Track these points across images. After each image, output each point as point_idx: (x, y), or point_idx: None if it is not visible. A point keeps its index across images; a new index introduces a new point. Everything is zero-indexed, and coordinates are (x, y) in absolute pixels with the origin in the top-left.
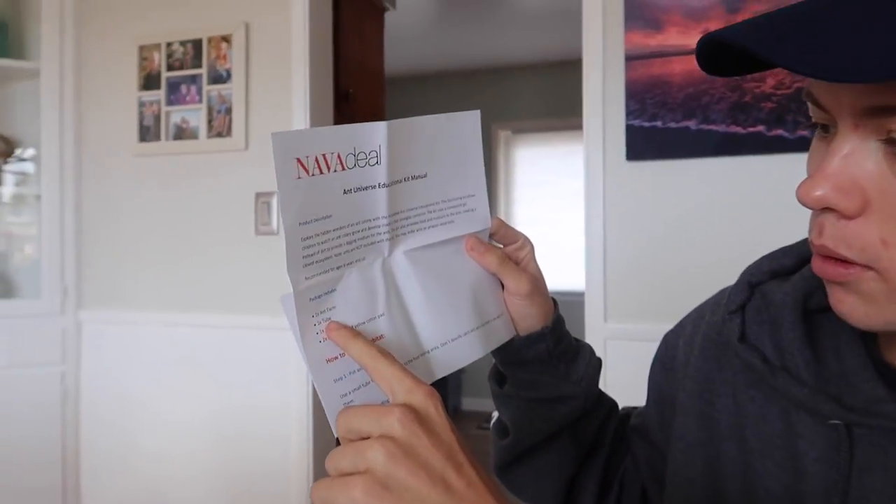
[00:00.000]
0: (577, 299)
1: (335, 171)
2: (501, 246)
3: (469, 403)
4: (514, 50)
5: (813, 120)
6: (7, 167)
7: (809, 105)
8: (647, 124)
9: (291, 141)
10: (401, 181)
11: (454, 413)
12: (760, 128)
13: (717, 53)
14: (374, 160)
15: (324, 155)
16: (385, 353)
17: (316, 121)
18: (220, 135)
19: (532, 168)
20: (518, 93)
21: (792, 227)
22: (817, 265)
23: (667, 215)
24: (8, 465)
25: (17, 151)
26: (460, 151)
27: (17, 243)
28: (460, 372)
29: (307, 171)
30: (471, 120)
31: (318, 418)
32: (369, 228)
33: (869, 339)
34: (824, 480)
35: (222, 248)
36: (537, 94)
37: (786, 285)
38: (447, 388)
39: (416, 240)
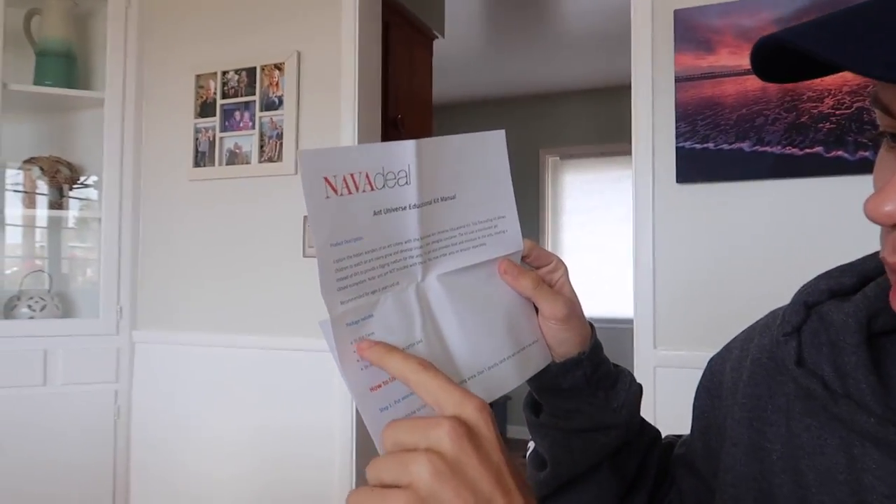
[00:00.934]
0: (627, 326)
1: (364, 191)
2: (535, 268)
3: (514, 432)
4: (562, 76)
5: (880, 129)
6: (72, 193)
7: (877, 113)
8: (698, 146)
9: (319, 159)
10: (431, 202)
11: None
12: (818, 149)
13: (775, 57)
14: (404, 180)
15: (352, 174)
16: (427, 365)
17: None
18: (270, 160)
19: (580, 194)
20: (566, 118)
21: (852, 251)
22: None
23: (718, 239)
24: (60, 480)
25: (82, 178)
26: (488, 171)
27: (79, 266)
28: (506, 399)
29: (335, 191)
30: (496, 139)
31: (361, 441)
32: (402, 252)
33: None
34: None
35: (271, 269)
36: (585, 120)
37: (847, 306)
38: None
39: (448, 263)
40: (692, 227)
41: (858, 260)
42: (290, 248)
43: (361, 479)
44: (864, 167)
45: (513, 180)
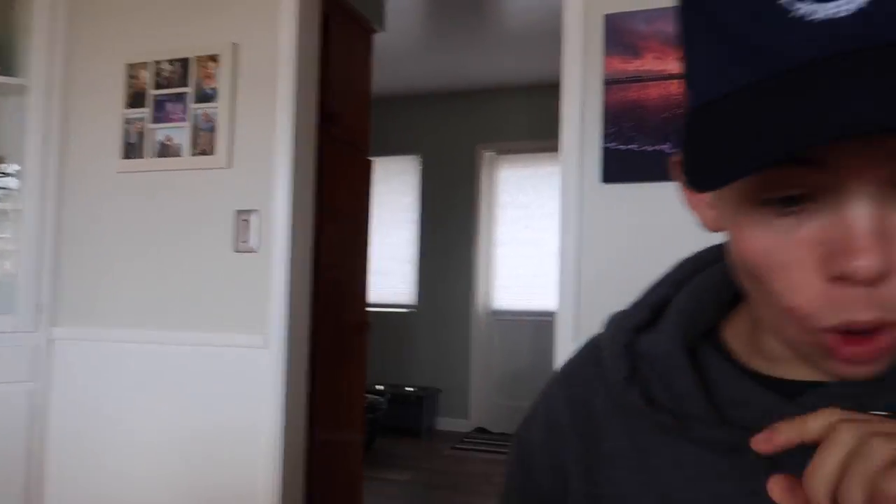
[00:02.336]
0: (551, 320)
1: None
2: None
3: (443, 423)
4: (501, 72)
5: (789, 192)
6: None
7: (788, 171)
8: (622, 147)
9: None
10: None
11: (428, 432)
12: None
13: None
14: None
15: None
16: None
17: (299, 140)
18: (203, 153)
19: (516, 189)
20: (503, 114)
21: None
22: (854, 353)
23: (641, 237)
24: None
25: (1, 166)
26: None
27: None
28: (437, 392)
29: None
30: None
31: (288, 439)
32: None
33: (735, 362)
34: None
35: (201, 264)
36: (522, 116)
37: (660, 335)
38: (423, 407)
39: None
40: (616, 225)
41: (643, 295)
42: (221, 242)
43: (287, 477)
44: None
45: (447, 175)
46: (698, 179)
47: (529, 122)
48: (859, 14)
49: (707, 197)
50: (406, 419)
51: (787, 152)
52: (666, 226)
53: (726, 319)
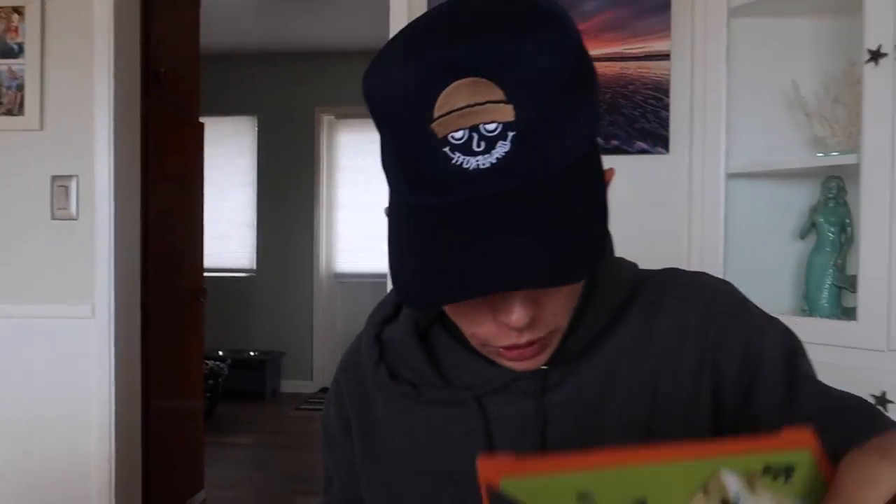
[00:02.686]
0: None
1: None
2: None
3: (287, 386)
4: (337, 34)
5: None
6: None
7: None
8: None
9: None
10: None
11: (273, 395)
12: None
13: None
14: None
15: None
16: None
17: (121, 101)
18: (10, 113)
19: (355, 153)
20: (342, 78)
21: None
22: (519, 356)
23: None
24: None
25: None
26: None
27: None
28: (280, 355)
29: None
30: None
31: (120, 411)
32: None
33: (458, 338)
34: (482, 438)
35: (14, 234)
36: (361, 80)
37: (398, 325)
38: (266, 370)
39: None
40: None
41: (387, 295)
42: (37, 210)
43: (121, 442)
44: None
45: (286, 137)
46: (404, 298)
47: None
48: (498, 166)
49: None
50: (249, 383)
51: (449, 300)
52: None
53: None
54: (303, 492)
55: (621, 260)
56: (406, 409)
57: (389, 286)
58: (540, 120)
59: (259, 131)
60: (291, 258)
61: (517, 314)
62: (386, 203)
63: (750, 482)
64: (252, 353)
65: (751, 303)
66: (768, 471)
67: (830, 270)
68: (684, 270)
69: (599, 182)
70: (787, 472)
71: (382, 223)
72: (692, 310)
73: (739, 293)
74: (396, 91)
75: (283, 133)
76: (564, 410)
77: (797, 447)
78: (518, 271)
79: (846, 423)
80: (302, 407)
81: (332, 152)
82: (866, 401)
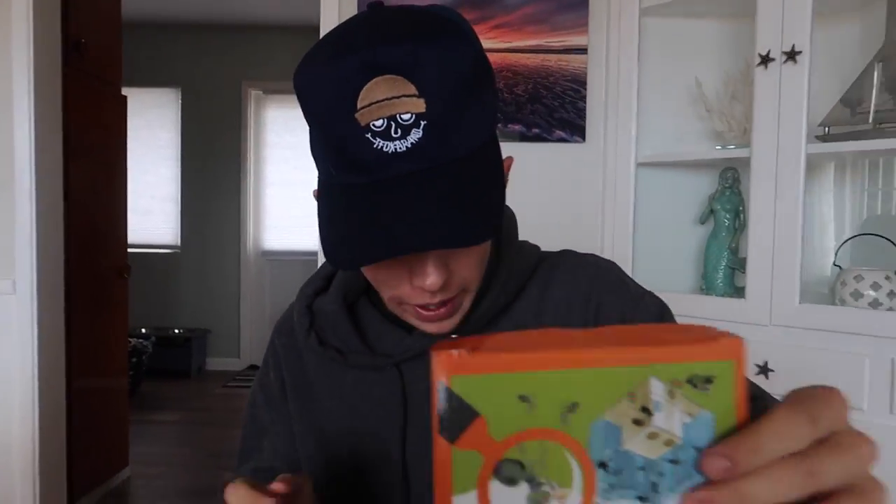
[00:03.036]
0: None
1: None
2: None
3: (214, 364)
4: (268, 8)
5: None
6: None
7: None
8: None
9: None
10: None
11: (199, 373)
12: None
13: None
14: None
15: None
16: None
17: (41, 71)
18: None
19: (284, 129)
20: (270, 53)
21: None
22: (433, 316)
23: None
24: None
25: None
26: None
27: None
28: (206, 332)
29: None
30: None
31: (44, 387)
32: None
33: (381, 310)
34: (396, 406)
35: None
36: (289, 55)
37: (328, 297)
38: (191, 348)
39: None
40: None
41: (319, 269)
42: None
43: (44, 429)
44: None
45: (211, 111)
46: (333, 261)
47: (295, 62)
48: (412, 150)
49: None
50: (174, 361)
51: (370, 261)
52: None
53: None
54: (229, 467)
55: (524, 243)
56: (334, 373)
57: (320, 262)
58: (447, 112)
59: (183, 104)
60: (217, 235)
61: (431, 278)
62: (315, 182)
63: (671, 391)
64: (177, 331)
65: (630, 279)
66: (692, 380)
67: (725, 253)
68: (576, 252)
69: (498, 165)
70: (707, 381)
71: (311, 201)
72: (579, 284)
73: (620, 270)
74: (324, 87)
75: (209, 107)
76: None
77: (723, 358)
78: (429, 235)
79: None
80: (228, 384)
81: (259, 128)
82: None
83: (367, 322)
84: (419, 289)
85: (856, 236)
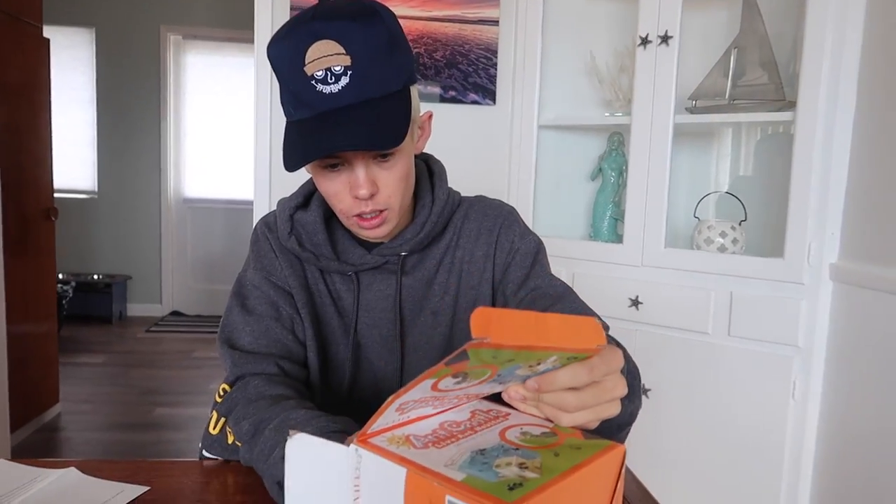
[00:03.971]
0: (246, 207)
1: None
2: None
3: (135, 309)
4: None
5: (331, 164)
6: None
7: (326, 160)
8: None
9: None
10: None
11: (120, 318)
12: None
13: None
14: None
15: None
16: None
17: None
18: None
19: (204, 76)
20: None
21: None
22: (369, 225)
23: None
24: None
25: None
26: None
27: None
28: (126, 278)
29: None
30: None
31: None
32: None
33: (349, 231)
34: (351, 302)
35: None
36: (210, 2)
37: (309, 213)
38: (112, 294)
39: None
40: None
41: (300, 188)
42: None
43: None
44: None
45: (129, 54)
46: (287, 164)
47: (218, 9)
48: (342, 91)
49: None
50: (95, 307)
51: (308, 162)
52: None
53: None
54: (162, 404)
55: (451, 189)
56: (313, 272)
57: (241, 212)
58: (366, 65)
59: (98, 46)
60: (136, 181)
61: (363, 188)
62: (234, 129)
63: (556, 360)
64: (97, 277)
65: (522, 220)
66: (571, 358)
67: (610, 206)
68: (486, 197)
69: (405, 107)
70: (574, 359)
71: (233, 149)
72: (487, 219)
73: (517, 213)
74: (283, 52)
75: (126, 49)
76: (411, 285)
77: (590, 353)
78: (351, 140)
79: (567, 303)
80: (151, 329)
81: (178, 73)
82: (571, 289)
83: (338, 238)
84: (356, 199)
85: (710, 194)
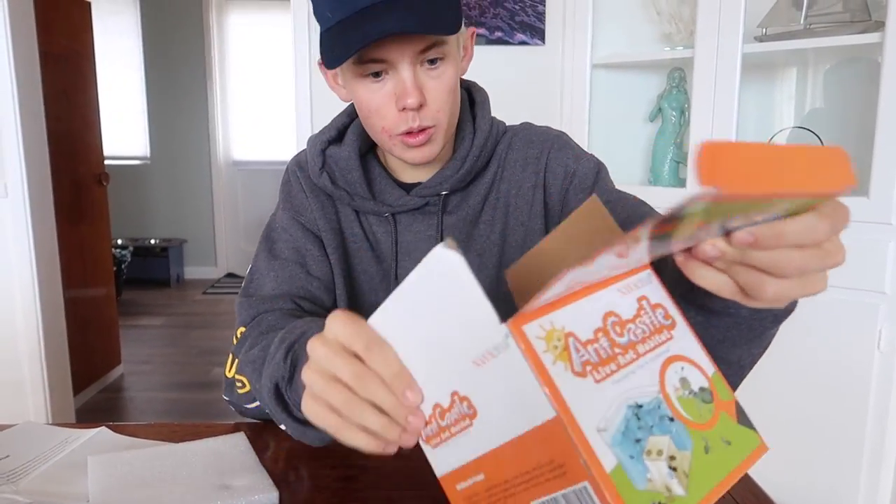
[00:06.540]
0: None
1: None
2: None
3: (192, 272)
4: None
5: (372, 71)
6: None
7: (363, 64)
8: None
9: None
10: None
11: (178, 281)
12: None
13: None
14: None
15: None
16: None
17: None
18: None
19: (247, 36)
20: None
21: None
22: (415, 141)
23: None
24: None
25: None
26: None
27: None
28: (182, 242)
29: None
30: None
31: (42, 283)
32: None
33: (386, 170)
34: (390, 245)
35: None
36: None
37: (344, 148)
38: (169, 258)
39: None
40: None
41: (331, 122)
42: None
43: (47, 318)
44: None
45: (172, 17)
46: (328, 63)
47: None
48: None
49: (338, 80)
50: (153, 270)
51: (354, 52)
52: None
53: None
54: (219, 363)
55: (494, 118)
56: (339, 210)
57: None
58: None
59: (143, 10)
60: (187, 146)
61: (411, 94)
62: (279, 90)
63: (786, 210)
64: (153, 241)
65: (575, 143)
66: (798, 209)
67: (671, 148)
68: (533, 123)
69: (456, 7)
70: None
71: (280, 111)
72: (532, 146)
73: (567, 136)
74: None
75: (170, 13)
76: (454, 225)
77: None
78: (408, 23)
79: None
80: (208, 291)
81: (222, 35)
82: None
83: (374, 176)
84: (402, 113)
85: (782, 130)
